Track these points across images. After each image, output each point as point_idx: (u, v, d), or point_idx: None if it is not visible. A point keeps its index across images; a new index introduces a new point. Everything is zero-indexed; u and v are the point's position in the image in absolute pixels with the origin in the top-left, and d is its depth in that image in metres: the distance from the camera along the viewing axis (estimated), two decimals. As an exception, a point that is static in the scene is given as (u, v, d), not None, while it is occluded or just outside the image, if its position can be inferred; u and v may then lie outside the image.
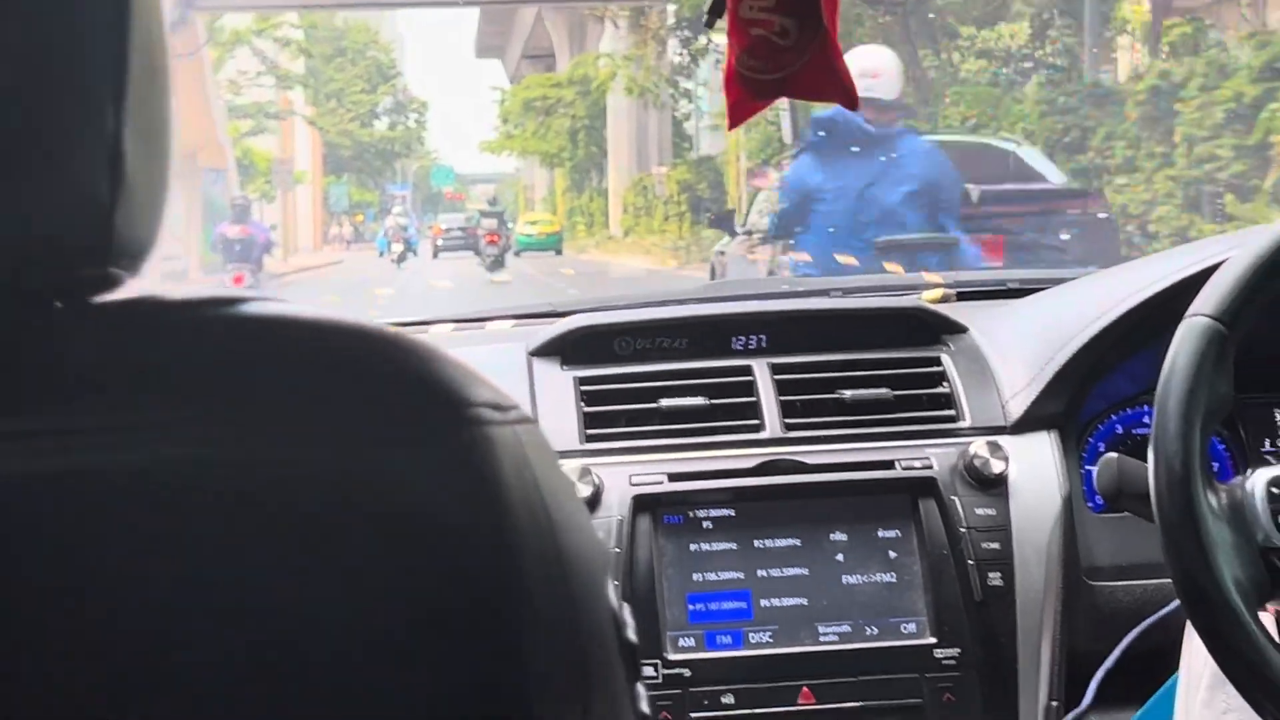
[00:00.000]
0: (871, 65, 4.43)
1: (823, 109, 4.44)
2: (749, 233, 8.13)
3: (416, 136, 50.09)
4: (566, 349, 1.65)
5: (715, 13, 1.26)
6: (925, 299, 1.84)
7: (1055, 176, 8.11)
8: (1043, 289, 1.78)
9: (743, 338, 1.66)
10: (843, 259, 4.30)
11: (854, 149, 4.40)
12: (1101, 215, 7.27)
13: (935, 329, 1.68)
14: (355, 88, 45.01)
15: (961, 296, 1.92)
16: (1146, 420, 1.59)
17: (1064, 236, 7.01)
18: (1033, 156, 8.30)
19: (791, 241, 4.69)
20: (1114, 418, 1.60)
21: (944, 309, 1.72)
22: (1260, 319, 1.14)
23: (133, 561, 0.55)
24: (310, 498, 0.56)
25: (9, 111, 0.55)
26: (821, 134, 4.49)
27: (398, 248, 25.88)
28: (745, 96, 1.29)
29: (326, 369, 0.58)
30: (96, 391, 0.56)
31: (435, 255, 31.53)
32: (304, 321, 0.59)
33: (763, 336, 1.66)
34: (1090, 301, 1.60)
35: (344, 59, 44.73)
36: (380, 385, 0.58)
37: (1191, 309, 1.15)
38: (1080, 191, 8.11)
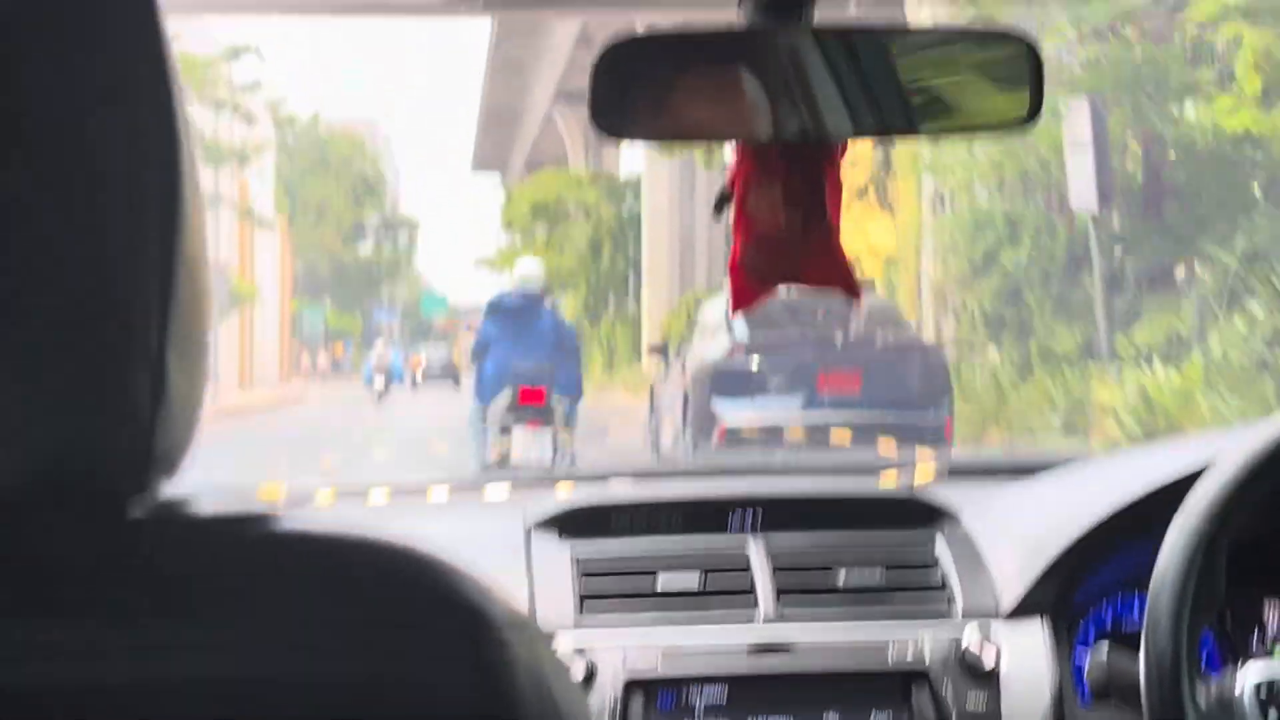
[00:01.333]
0: (528, 272, 8.82)
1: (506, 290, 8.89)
2: (681, 363, 10.93)
3: (406, 258, 49.85)
4: (563, 522, 1.84)
5: (723, 202, 1.39)
6: (918, 476, 2.03)
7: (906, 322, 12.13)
8: (1034, 470, 1.96)
9: (738, 511, 1.85)
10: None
11: (515, 317, 8.55)
12: (934, 357, 11.10)
13: (929, 513, 1.86)
14: (338, 202, 45.09)
15: (953, 473, 2.11)
16: (1138, 609, 1.71)
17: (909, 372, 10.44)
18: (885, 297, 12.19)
19: (475, 369, 8.78)
20: (1105, 604, 1.74)
21: (936, 488, 1.89)
22: (1249, 514, 1.30)
23: None
24: (333, 716, 0.61)
25: (61, 331, 0.62)
26: (496, 306, 8.71)
27: (379, 380, 26.79)
28: (749, 284, 1.40)
29: (348, 587, 0.64)
30: (125, 605, 0.61)
31: (413, 385, 33.36)
32: (328, 540, 0.66)
33: (759, 510, 1.83)
34: (1083, 493, 1.75)
35: (326, 170, 44.87)
36: (403, 604, 0.64)
37: (1183, 511, 1.29)
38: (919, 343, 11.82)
